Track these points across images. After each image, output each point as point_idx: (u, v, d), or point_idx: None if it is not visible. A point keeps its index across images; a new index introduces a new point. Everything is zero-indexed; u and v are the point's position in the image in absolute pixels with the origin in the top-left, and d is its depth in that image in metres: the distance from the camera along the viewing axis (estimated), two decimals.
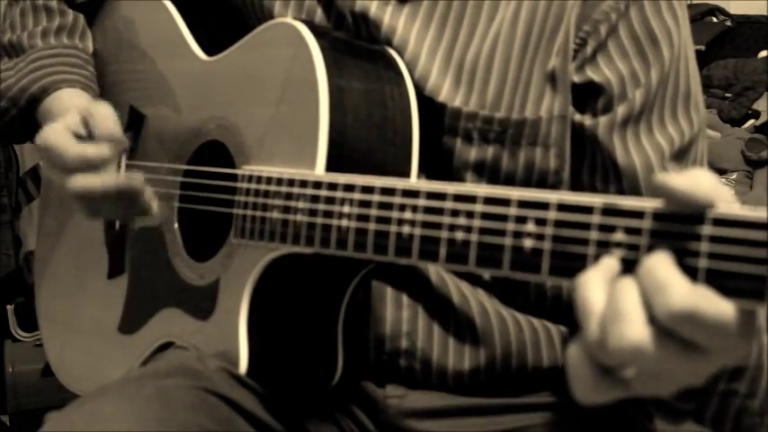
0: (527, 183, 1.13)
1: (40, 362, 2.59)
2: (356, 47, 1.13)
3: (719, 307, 0.68)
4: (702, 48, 3.67)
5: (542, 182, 1.14)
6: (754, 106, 3.32)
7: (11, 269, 2.82)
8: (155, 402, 1.05)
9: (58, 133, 1.20)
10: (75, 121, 1.21)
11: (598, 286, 0.73)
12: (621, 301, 0.70)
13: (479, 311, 1.16)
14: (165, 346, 1.24)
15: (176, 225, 1.24)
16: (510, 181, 1.13)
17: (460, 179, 1.13)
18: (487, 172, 1.13)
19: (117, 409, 1.04)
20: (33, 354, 2.67)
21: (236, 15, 1.25)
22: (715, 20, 3.86)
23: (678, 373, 0.73)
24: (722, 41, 3.73)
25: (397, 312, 1.15)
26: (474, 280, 1.16)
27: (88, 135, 1.20)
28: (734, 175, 2.98)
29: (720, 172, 3.02)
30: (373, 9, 1.14)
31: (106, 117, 1.20)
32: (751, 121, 3.32)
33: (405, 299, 1.16)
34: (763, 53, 3.62)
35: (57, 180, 1.23)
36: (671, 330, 0.69)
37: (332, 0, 1.17)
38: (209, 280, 1.16)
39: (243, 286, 1.09)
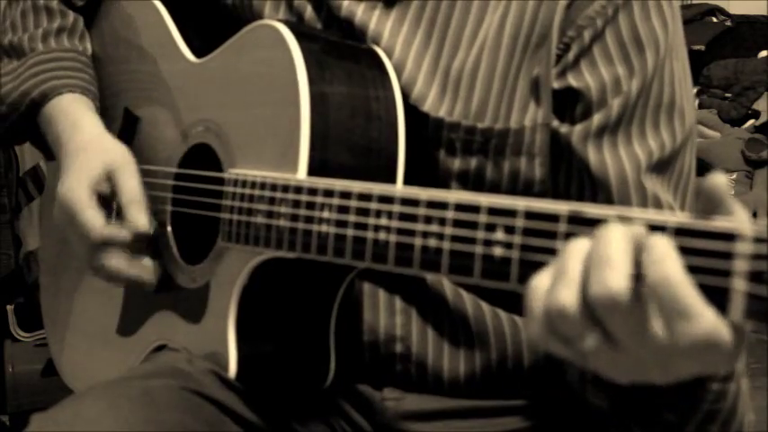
0: (512, 193, 1.11)
1: (40, 362, 2.60)
2: (341, 48, 1.12)
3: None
4: (702, 48, 3.64)
5: (528, 191, 1.12)
6: (754, 106, 3.30)
7: (11, 269, 2.81)
8: (140, 403, 1.06)
9: (82, 197, 1.21)
10: (97, 176, 1.22)
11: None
12: (608, 248, 0.71)
13: (474, 312, 1.16)
14: (162, 348, 1.25)
15: (169, 228, 1.24)
16: (495, 191, 1.11)
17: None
18: (472, 182, 1.12)
19: (101, 409, 1.04)
20: (33, 354, 2.67)
21: (228, 15, 1.25)
22: (715, 20, 3.84)
23: (641, 355, 0.72)
24: (722, 41, 3.71)
25: (391, 318, 1.16)
26: None
27: (110, 194, 1.22)
28: (734, 175, 2.97)
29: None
30: (359, 14, 1.14)
31: (137, 198, 1.21)
32: (751, 121, 3.30)
33: (398, 303, 1.16)
34: (763, 53, 3.60)
35: (74, 242, 1.24)
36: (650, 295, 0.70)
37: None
38: (200, 283, 1.17)
39: (231, 290, 1.09)
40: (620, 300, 0.69)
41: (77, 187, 1.22)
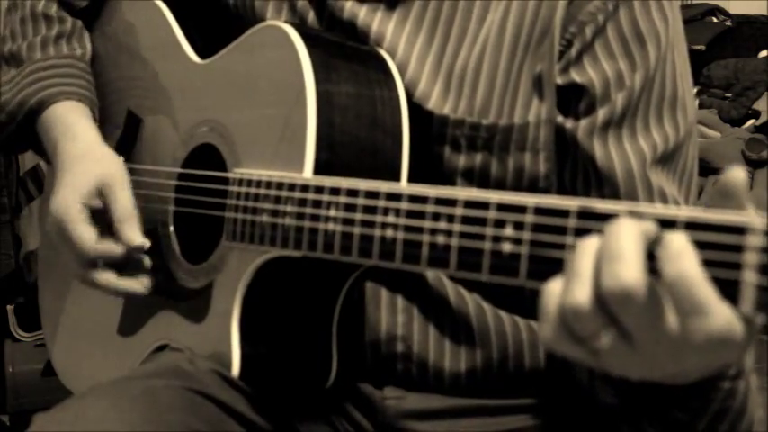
0: (517, 189, 1.12)
1: (40, 362, 2.60)
2: (347, 49, 1.13)
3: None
4: (702, 48, 3.65)
5: (533, 187, 1.13)
6: (755, 106, 3.32)
7: (11, 269, 2.82)
8: (141, 402, 1.06)
9: (73, 212, 1.22)
10: (89, 191, 1.22)
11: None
12: (619, 242, 0.70)
13: (476, 312, 1.16)
14: (163, 348, 1.25)
15: (172, 228, 1.24)
16: (500, 187, 1.12)
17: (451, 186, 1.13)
18: (477, 179, 1.13)
19: (103, 409, 1.04)
20: (33, 354, 2.67)
21: (231, 17, 1.25)
22: (715, 20, 3.85)
23: (652, 341, 0.72)
24: (722, 41, 3.72)
25: (392, 317, 1.16)
26: (470, 280, 1.15)
27: (103, 209, 1.22)
28: None
29: (720, 172, 3.01)
30: (362, 16, 1.15)
31: (129, 214, 1.21)
32: (751, 121, 3.31)
33: (400, 302, 1.16)
34: (763, 53, 3.61)
35: (68, 259, 1.25)
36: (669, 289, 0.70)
37: (324, 1, 1.17)
38: (203, 283, 1.17)
39: (235, 289, 1.09)
40: (633, 293, 0.69)
41: (69, 202, 1.22)
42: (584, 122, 1.11)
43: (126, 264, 1.23)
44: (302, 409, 1.19)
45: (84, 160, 1.26)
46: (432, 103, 1.12)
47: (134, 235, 1.21)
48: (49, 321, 1.53)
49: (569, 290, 0.71)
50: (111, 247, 1.21)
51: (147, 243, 1.22)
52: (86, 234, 1.21)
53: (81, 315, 1.44)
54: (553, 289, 0.73)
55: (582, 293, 0.70)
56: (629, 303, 0.69)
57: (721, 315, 0.69)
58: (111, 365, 1.31)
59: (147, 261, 1.24)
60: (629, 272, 0.69)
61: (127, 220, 1.21)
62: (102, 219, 1.23)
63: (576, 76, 1.10)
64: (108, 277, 1.23)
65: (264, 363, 1.13)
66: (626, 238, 0.70)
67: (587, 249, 0.72)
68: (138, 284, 1.23)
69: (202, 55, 1.26)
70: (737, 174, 0.70)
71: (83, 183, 1.23)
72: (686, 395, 0.88)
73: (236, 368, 1.10)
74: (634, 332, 0.72)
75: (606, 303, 0.70)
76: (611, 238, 0.70)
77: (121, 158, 1.29)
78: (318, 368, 1.14)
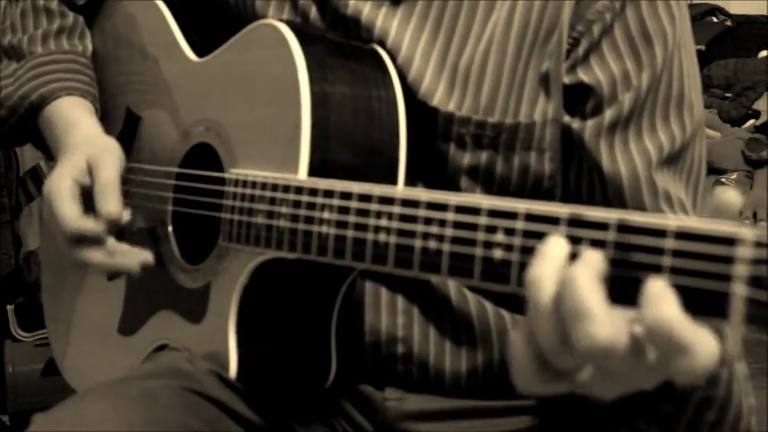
0: (522, 188, 1.12)
1: (40, 362, 2.61)
2: (343, 48, 1.12)
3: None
4: (702, 48, 3.66)
5: (537, 186, 1.13)
6: (754, 106, 3.32)
7: (11, 269, 2.82)
8: (140, 403, 1.06)
9: (61, 190, 1.21)
10: (80, 168, 1.22)
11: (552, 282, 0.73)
12: (584, 301, 0.70)
13: (478, 311, 1.16)
14: (163, 348, 1.25)
15: (170, 228, 1.25)
16: (505, 186, 1.12)
17: (455, 184, 1.12)
18: (482, 177, 1.12)
19: (102, 409, 1.05)
20: (33, 354, 2.67)
21: (231, 16, 1.25)
22: (715, 20, 3.86)
23: (634, 375, 0.73)
24: (722, 41, 3.73)
25: (392, 318, 1.16)
26: None
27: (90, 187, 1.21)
28: (734, 175, 2.98)
29: (720, 172, 3.02)
30: (366, 11, 1.14)
31: (110, 187, 1.20)
32: (751, 121, 3.32)
33: (400, 302, 1.16)
34: (763, 53, 3.62)
35: (55, 234, 1.24)
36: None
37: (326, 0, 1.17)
38: (201, 283, 1.17)
39: (232, 290, 1.09)
40: (611, 347, 0.70)
41: (59, 180, 1.21)
42: (590, 123, 1.11)
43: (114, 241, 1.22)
44: (301, 410, 1.19)
45: (83, 145, 1.25)
46: (436, 100, 1.11)
47: (108, 206, 1.19)
48: (52, 320, 1.53)
49: (540, 332, 0.73)
50: (91, 224, 1.19)
51: (125, 215, 1.20)
52: (69, 210, 1.20)
53: (83, 313, 1.44)
54: (517, 339, 0.75)
55: (549, 336, 0.72)
56: (610, 355, 0.71)
57: (705, 351, 0.69)
58: (113, 364, 1.31)
59: (127, 247, 1.22)
60: (602, 329, 0.70)
61: (103, 192, 1.19)
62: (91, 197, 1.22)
63: (583, 75, 1.10)
64: (98, 255, 1.21)
65: (262, 364, 1.13)
66: (585, 293, 0.71)
67: (545, 285, 0.73)
68: (130, 262, 1.21)
69: (202, 53, 1.26)
70: (730, 195, 0.70)
71: (75, 161, 1.23)
72: (668, 386, 0.90)
73: (233, 369, 1.10)
74: (615, 373, 0.73)
75: (586, 356, 0.72)
76: (569, 294, 0.71)
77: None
78: (317, 369, 1.14)
